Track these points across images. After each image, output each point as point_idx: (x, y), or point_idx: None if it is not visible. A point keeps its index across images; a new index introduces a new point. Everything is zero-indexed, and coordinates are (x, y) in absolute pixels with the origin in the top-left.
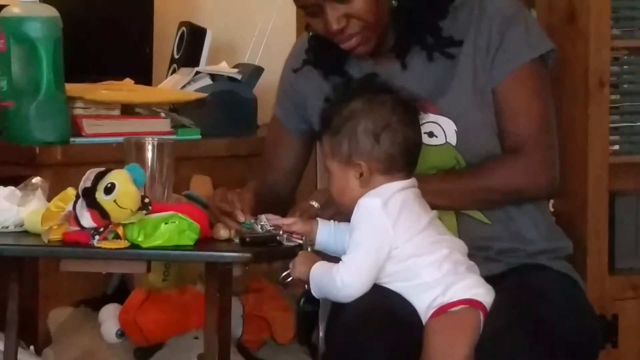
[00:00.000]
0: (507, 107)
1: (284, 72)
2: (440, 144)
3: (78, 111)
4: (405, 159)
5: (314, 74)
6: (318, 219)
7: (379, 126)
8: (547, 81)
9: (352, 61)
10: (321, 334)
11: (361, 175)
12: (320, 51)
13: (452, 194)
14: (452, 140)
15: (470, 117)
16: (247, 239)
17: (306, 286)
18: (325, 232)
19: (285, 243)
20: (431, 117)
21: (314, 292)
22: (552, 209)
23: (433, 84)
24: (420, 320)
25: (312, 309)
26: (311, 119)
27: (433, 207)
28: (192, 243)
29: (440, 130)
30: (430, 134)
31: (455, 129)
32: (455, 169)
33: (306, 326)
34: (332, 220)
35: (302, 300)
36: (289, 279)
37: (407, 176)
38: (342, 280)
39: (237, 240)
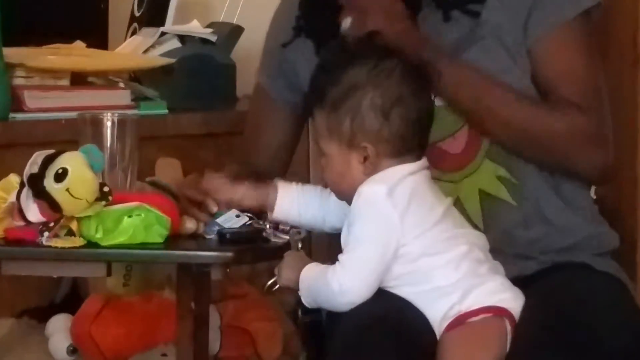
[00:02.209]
0: (548, 73)
1: (270, 34)
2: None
3: (19, 81)
4: (417, 137)
5: (308, 45)
6: (278, 181)
7: (388, 100)
8: (594, 41)
9: None
10: None
11: (366, 159)
12: (313, 15)
13: (489, 96)
14: None
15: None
16: (227, 235)
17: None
18: (286, 199)
19: (273, 239)
20: None
21: (305, 301)
22: (594, 197)
23: (451, 47)
24: (433, 333)
25: (315, 318)
26: (303, 89)
27: (457, 101)
28: (161, 240)
29: None
30: None
31: None
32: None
33: (315, 342)
34: (294, 184)
35: (300, 311)
36: (276, 287)
37: (418, 157)
38: (339, 285)
39: (210, 237)
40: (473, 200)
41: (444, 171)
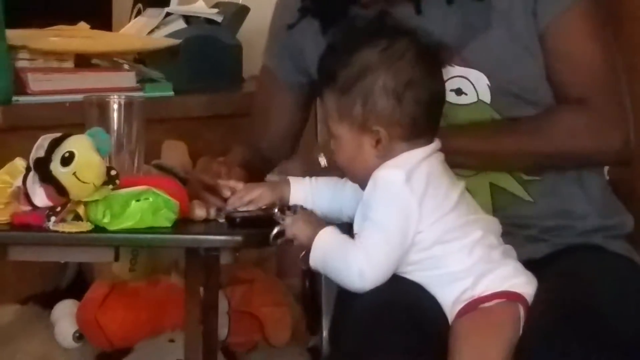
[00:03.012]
0: (561, 55)
1: (275, 15)
2: (472, 103)
3: (22, 63)
4: (429, 120)
5: (314, 26)
6: (289, 178)
7: (400, 83)
8: (607, 19)
9: (358, 8)
10: (324, 332)
11: (378, 142)
12: None
13: (494, 157)
14: (485, 97)
15: (508, 69)
16: (238, 220)
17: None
18: (299, 194)
19: (282, 223)
20: (457, 70)
21: (314, 264)
22: (607, 177)
23: (457, 30)
24: (445, 317)
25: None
26: (310, 70)
27: (463, 168)
28: (169, 224)
29: (469, 86)
30: (458, 92)
31: (488, 83)
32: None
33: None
34: (307, 178)
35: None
36: (282, 239)
37: (430, 140)
38: (360, 271)
39: (221, 221)
40: (483, 193)
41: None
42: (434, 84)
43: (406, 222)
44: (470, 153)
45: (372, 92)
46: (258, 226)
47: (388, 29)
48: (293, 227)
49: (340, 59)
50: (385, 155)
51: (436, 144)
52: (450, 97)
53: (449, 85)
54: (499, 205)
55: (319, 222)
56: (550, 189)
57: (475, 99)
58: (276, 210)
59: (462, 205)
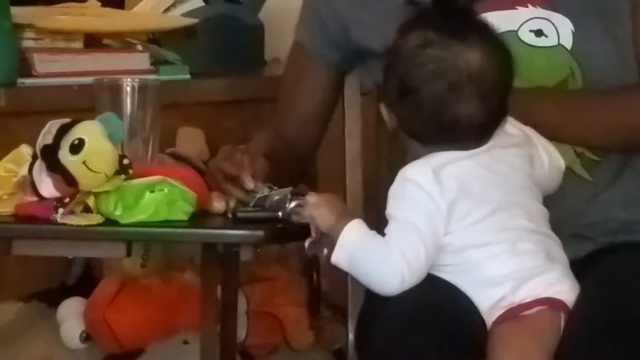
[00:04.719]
0: None
1: None
2: (551, 46)
3: (28, 43)
4: (448, 135)
5: None
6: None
7: (409, 83)
8: None
9: None
10: (350, 336)
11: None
12: None
13: (581, 127)
14: (567, 42)
15: (595, 19)
16: (238, 215)
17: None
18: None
19: (296, 219)
20: (540, 12)
21: (338, 261)
22: None
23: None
24: (483, 321)
25: None
26: (346, 44)
27: (550, 139)
28: (186, 218)
29: (552, 28)
30: (538, 33)
31: (573, 29)
32: (568, 80)
33: None
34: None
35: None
36: (298, 218)
37: (464, 148)
38: (403, 277)
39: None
40: None
41: None
42: (446, 105)
43: (435, 225)
44: (557, 126)
45: (389, 69)
46: (264, 223)
47: (465, 26)
48: (313, 208)
49: (407, 21)
50: (409, 147)
51: (480, 149)
52: (529, 38)
53: (529, 25)
54: (562, 187)
55: (343, 210)
56: (611, 172)
57: (555, 42)
58: (287, 206)
59: (503, 210)
